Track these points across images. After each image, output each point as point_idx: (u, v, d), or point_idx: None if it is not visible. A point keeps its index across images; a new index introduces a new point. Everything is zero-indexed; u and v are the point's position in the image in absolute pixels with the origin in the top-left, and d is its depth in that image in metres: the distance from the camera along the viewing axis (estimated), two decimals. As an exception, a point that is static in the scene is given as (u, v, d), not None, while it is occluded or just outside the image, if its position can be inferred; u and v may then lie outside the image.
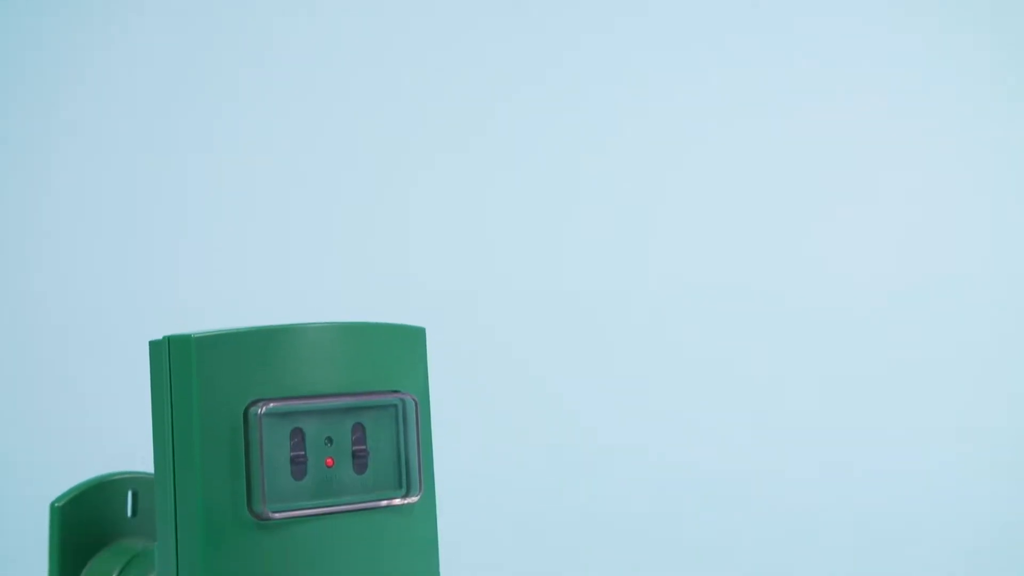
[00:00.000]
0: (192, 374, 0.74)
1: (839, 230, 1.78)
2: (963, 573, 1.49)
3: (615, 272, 1.82)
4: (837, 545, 1.56)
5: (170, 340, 0.75)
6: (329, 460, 0.77)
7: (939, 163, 1.77)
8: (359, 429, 0.78)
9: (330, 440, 0.77)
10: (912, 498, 1.62)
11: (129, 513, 0.94)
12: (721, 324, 1.78)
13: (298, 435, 0.76)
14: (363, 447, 0.78)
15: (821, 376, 1.74)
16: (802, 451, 1.67)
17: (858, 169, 1.78)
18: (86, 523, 0.92)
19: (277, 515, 0.74)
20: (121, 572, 0.89)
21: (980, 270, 1.75)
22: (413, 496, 0.79)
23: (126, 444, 1.39)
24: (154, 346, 0.75)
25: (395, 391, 0.79)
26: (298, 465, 0.76)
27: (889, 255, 1.76)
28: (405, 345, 0.80)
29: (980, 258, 1.75)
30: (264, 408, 0.74)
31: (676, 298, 1.80)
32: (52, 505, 0.92)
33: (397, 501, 0.79)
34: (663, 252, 1.81)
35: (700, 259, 1.80)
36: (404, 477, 0.79)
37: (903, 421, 1.70)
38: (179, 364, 0.74)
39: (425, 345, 0.82)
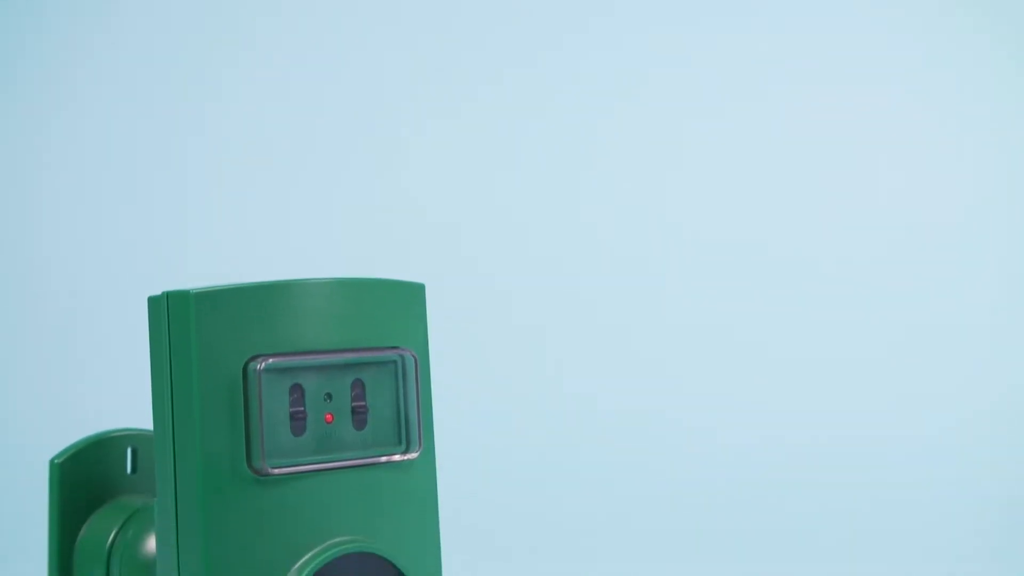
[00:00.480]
0: (191, 330, 0.73)
1: (845, 195, 1.78)
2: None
3: (618, 231, 1.82)
4: (846, 510, 1.57)
5: (169, 296, 0.74)
6: (328, 416, 0.77)
7: (944, 125, 1.77)
8: (359, 385, 0.78)
9: (329, 396, 0.77)
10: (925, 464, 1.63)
11: (129, 470, 0.94)
12: (724, 288, 1.78)
13: (297, 391, 0.76)
14: (363, 403, 0.78)
15: (831, 341, 1.74)
16: (813, 417, 1.68)
17: (864, 134, 1.78)
18: (85, 480, 0.92)
19: (276, 471, 0.74)
20: (121, 529, 0.90)
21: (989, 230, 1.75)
22: (413, 452, 0.79)
23: (125, 401, 1.39)
24: (153, 302, 0.75)
25: (395, 347, 0.79)
26: (297, 421, 0.75)
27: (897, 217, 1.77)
28: (405, 301, 0.80)
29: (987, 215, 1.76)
30: (263, 364, 0.74)
31: (680, 259, 1.79)
32: (51, 462, 0.92)
33: (397, 457, 0.78)
34: (666, 213, 1.81)
35: (705, 221, 1.80)
36: (404, 433, 0.79)
37: (915, 388, 1.70)
38: (178, 320, 0.74)
39: (425, 301, 0.81)
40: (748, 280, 1.77)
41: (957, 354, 1.71)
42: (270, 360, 0.74)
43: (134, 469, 0.94)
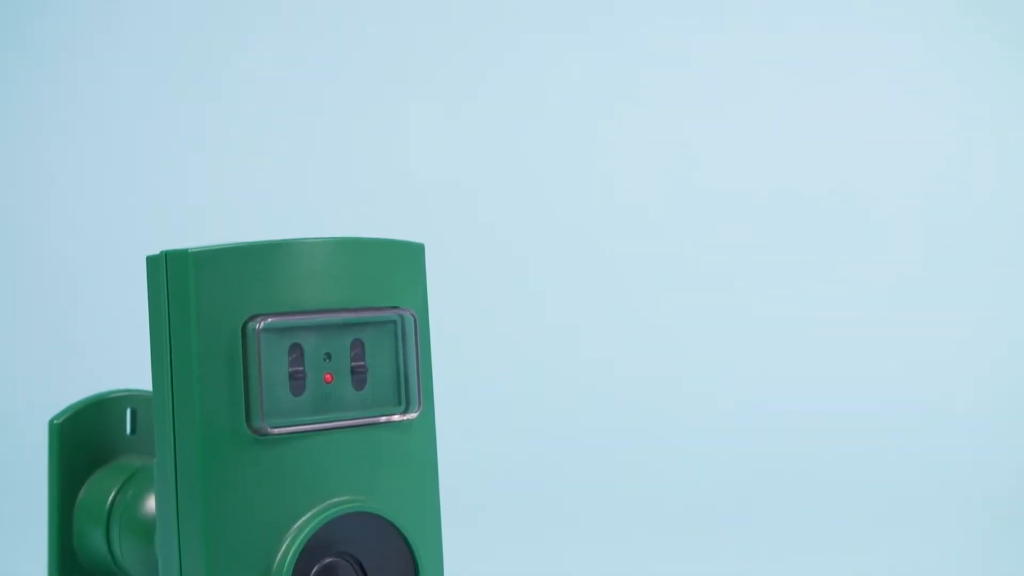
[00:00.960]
0: (190, 290, 0.73)
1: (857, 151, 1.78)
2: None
3: (619, 186, 1.82)
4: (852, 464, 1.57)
5: (167, 255, 0.74)
6: (328, 376, 0.77)
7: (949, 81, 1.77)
8: (358, 345, 0.78)
9: (329, 356, 0.77)
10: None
11: (128, 430, 0.94)
12: (727, 242, 1.78)
13: (296, 351, 0.76)
14: (362, 363, 0.78)
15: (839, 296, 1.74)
16: (827, 384, 1.68)
17: (875, 83, 1.78)
18: (85, 441, 0.92)
19: (275, 430, 0.74)
20: (120, 489, 0.90)
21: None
22: (412, 412, 0.79)
23: (124, 362, 1.39)
24: (151, 262, 0.75)
25: (394, 307, 0.79)
26: (296, 381, 0.75)
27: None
28: (404, 261, 0.80)
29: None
30: (262, 323, 0.74)
31: (683, 213, 1.79)
32: (51, 423, 0.92)
33: (396, 417, 0.78)
34: (670, 166, 1.81)
35: (709, 173, 1.80)
36: (403, 393, 0.79)
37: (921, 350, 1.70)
38: (176, 280, 0.74)
39: (424, 261, 0.81)
40: (762, 243, 1.77)
41: (963, 321, 1.71)
42: (269, 320, 0.74)
43: (133, 430, 0.94)
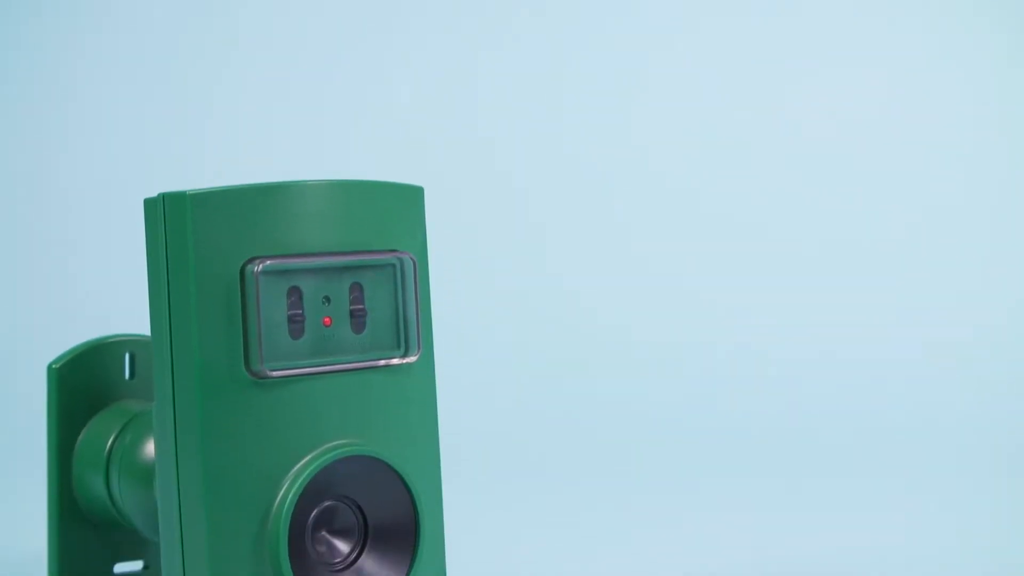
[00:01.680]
0: (188, 232, 0.73)
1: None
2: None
3: (621, 129, 1.81)
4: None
5: (165, 197, 0.74)
6: (327, 319, 0.76)
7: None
8: (357, 288, 0.77)
9: (328, 299, 0.76)
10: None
11: (127, 375, 0.94)
12: (735, 190, 1.77)
13: (295, 294, 0.75)
14: (361, 306, 0.77)
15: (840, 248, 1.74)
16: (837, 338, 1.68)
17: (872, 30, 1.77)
18: (84, 385, 0.92)
19: (274, 374, 0.74)
20: (119, 433, 0.90)
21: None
22: (411, 356, 0.79)
23: (123, 306, 1.38)
24: (149, 204, 0.75)
25: (393, 250, 0.78)
26: (295, 324, 0.75)
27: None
28: (403, 204, 0.79)
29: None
30: (260, 266, 0.73)
31: (686, 161, 1.79)
32: (49, 367, 0.91)
33: (395, 361, 0.78)
34: (673, 112, 1.80)
35: (715, 117, 1.79)
36: (402, 337, 0.79)
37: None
38: (174, 222, 0.73)
39: (423, 204, 0.81)
40: (767, 192, 1.77)
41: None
42: (268, 262, 0.74)
43: (132, 374, 0.94)
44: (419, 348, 0.79)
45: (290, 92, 1.86)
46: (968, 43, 1.79)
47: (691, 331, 1.70)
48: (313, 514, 0.76)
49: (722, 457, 1.47)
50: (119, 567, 0.93)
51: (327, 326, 0.76)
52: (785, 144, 1.78)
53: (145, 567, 0.94)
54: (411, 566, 0.78)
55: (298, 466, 0.75)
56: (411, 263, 0.78)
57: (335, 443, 0.76)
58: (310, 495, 0.76)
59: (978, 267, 1.72)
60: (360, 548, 0.78)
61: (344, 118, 1.84)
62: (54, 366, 0.91)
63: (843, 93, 1.78)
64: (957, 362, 1.63)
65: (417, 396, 0.79)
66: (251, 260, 0.73)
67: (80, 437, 0.92)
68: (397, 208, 0.79)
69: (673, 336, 1.69)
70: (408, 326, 0.79)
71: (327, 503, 0.77)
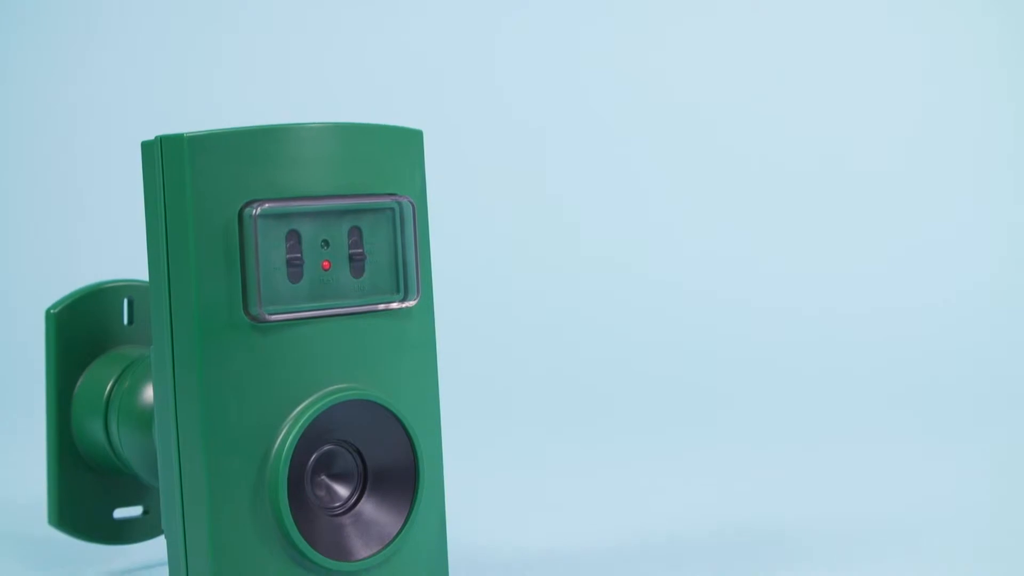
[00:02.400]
0: (185, 175, 0.72)
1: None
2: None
3: (622, 76, 1.81)
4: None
5: (162, 140, 0.73)
6: (326, 263, 0.76)
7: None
8: (356, 232, 0.77)
9: (326, 243, 0.76)
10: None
11: (125, 321, 0.93)
12: (733, 147, 1.77)
13: (294, 237, 0.75)
14: (360, 250, 0.77)
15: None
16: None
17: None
18: (82, 331, 0.92)
19: (273, 317, 0.74)
20: (118, 379, 0.89)
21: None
22: (411, 300, 0.78)
23: (121, 251, 1.38)
24: (146, 147, 0.74)
25: (392, 194, 0.78)
26: (294, 268, 0.75)
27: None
28: (402, 147, 0.79)
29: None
30: (259, 209, 0.73)
31: (688, 113, 1.78)
32: (48, 312, 0.91)
33: (395, 305, 0.78)
34: (677, 64, 1.79)
35: (720, 75, 1.79)
36: (402, 281, 0.78)
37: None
38: (172, 165, 0.73)
39: (422, 148, 0.80)
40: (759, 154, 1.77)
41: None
42: (266, 205, 0.73)
43: (131, 320, 0.93)
44: (418, 292, 0.78)
45: (291, 34, 1.85)
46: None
47: (691, 275, 1.70)
48: (312, 458, 0.76)
49: (715, 403, 1.47)
50: (119, 512, 0.93)
51: (326, 270, 0.76)
52: (792, 89, 1.77)
53: (145, 512, 0.94)
54: (411, 510, 0.78)
55: (297, 410, 0.75)
56: (410, 207, 0.78)
57: (334, 387, 0.76)
58: (309, 439, 0.76)
59: (970, 222, 1.72)
60: (360, 492, 0.78)
61: (343, 61, 1.83)
62: (52, 311, 0.91)
63: (844, 50, 1.78)
64: (953, 319, 1.63)
65: (416, 340, 0.79)
66: (249, 203, 0.73)
67: (79, 383, 0.91)
68: (396, 152, 0.78)
69: (675, 280, 1.69)
70: (407, 270, 0.78)
71: (326, 447, 0.77)
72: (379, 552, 0.77)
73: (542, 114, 1.80)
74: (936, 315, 1.62)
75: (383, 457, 0.78)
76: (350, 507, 0.78)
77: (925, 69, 1.75)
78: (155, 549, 0.95)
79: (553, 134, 1.79)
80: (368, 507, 0.78)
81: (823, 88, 1.77)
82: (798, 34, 1.78)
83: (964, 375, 1.50)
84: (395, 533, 0.78)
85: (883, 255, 1.70)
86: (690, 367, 1.57)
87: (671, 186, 1.76)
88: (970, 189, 1.71)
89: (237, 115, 1.51)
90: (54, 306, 0.91)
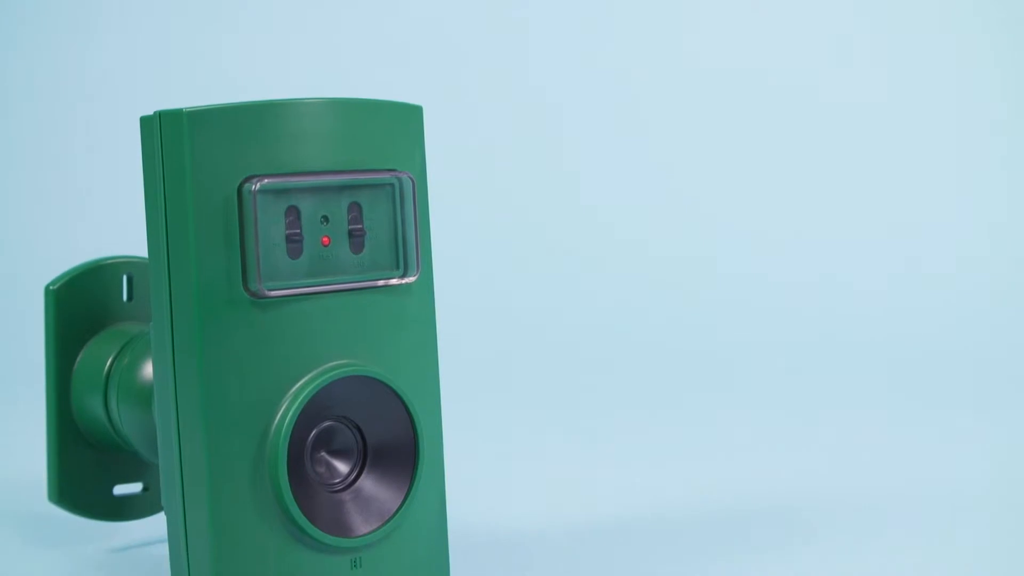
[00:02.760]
0: (184, 150, 0.72)
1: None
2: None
3: (611, 52, 1.80)
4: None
5: (161, 115, 0.73)
6: (325, 239, 0.76)
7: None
8: (355, 208, 0.77)
9: (326, 219, 0.76)
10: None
11: (125, 297, 0.93)
12: (735, 113, 1.77)
13: (293, 213, 0.75)
14: (360, 226, 0.77)
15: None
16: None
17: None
18: (82, 307, 0.92)
19: (272, 293, 0.73)
20: (117, 355, 0.89)
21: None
22: (410, 276, 0.78)
23: (121, 227, 1.38)
24: (145, 122, 0.74)
25: (392, 169, 0.78)
26: (293, 243, 0.75)
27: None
28: (402, 123, 0.79)
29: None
30: (258, 184, 0.73)
31: (700, 84, 1.78)
32: (47, 288, 0.91)
33: (394, 281, 0.78)
34: (694, 35, 1.79)
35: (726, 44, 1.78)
36: (401, 257, 0.78)
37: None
38: (171, 140, 0.72)
39: (422, 123, 0.80)
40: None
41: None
42: (265, 181, 0.73)
43: (130, 296, 0.93)
44: (418, 268, 0.78)
45: (290, 9, 1.84)
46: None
47: (698, 248, 1.70)
48: (312, 435, 0.76)
49: (718, 375, 1.47)
50: (118, 489, 0.93)
51: (325, 246, 0.76)
52: (800, 72, 1.77)
53: (145, 489, 0.94)
54: (411, 486, 0.78)
55: (296, 386, 0.75)
56: (410, 183, 0.78)
57: (334, 363, 0.76)
58: (309, 416, 0.75)
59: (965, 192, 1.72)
60: (359, 469, 0.78)
61: (344, 37, 1.82)
62: (51, 288, 0.91)
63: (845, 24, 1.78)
64: (953, 288, 1.63)
65: (416, 317, 0.79)
66: (249, 179, 0.73)
67: (78, 359, 0.91)
68: (396, 127, 0.78)
69: (681, 253, 1.69)
70: (407, 246, 0.78)
71: (326, 424, 0.77)
72: (379, 528, 0.77)
73: (546, 89, 1.79)
74: (940, 289, 1.62)
75: (383, 433, 0.78)
76: (350, 483, 0.78)
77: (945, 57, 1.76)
78: (155, 526, 0.95)
79: (555, 108, 1.79)
80: (368, 483, 0.78)
81: (841, 65, 1.77)
82: (810, 32, 1.78)
83: (970, 351, 1.50)
84: (395, 509, 0.78)
85: (887, 227, 1.70)
86: (694, 343, 1.57)
87: (668, 156, 1.76)
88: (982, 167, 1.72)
89: (237, 90, 1.51)
90: (53, 282, 0.91)
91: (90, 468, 0.92)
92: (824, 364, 1.49)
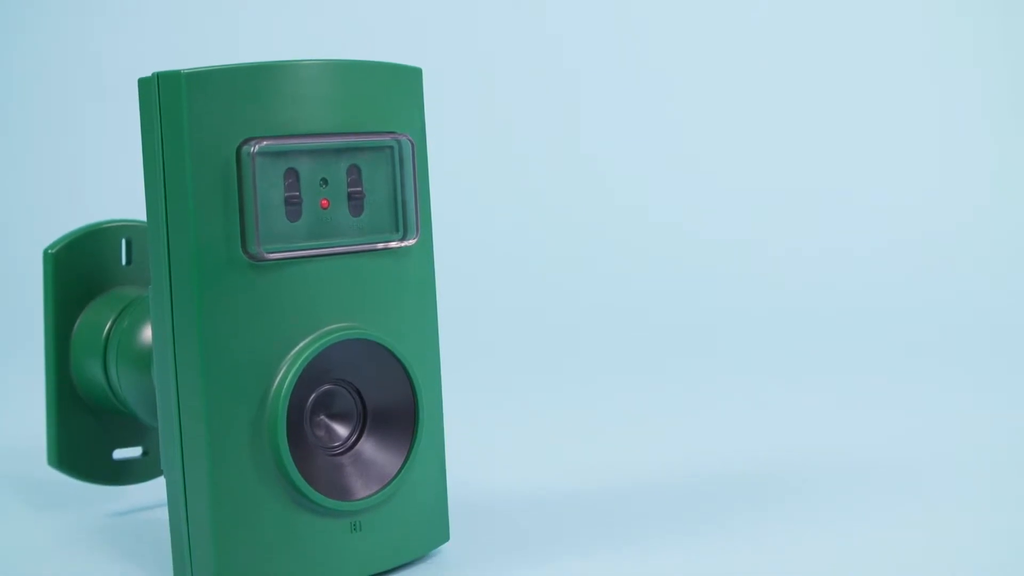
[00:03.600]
0: (183, 112, 0.72)
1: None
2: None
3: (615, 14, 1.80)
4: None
5: (159, 77, 0.72)
6: (324, 201, 0.75)
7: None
8: (355, 171, 0.76)
9: (325, 181, 0.75)
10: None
11: (124, 261, 0.93)
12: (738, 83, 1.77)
13: (292, 175, 0.74)
14: (359, 189, 0.76)
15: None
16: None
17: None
18: (80, 271, 0.91)
19: (271, 256, 0.73)
20: (116, 319, 0.89)
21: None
22: (410, 239, 0.78)
23: (120, 191, 1.38)
24: (143, 84, 0.73)
25: (391, 132, 0.77)
26: (292, 206, 0.74)
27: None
28: (401, 85, 0.78)
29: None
30: (257, 146, 0.72)
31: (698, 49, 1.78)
32: (45, 252, 0.91)
33: (394, 244, 0.77)
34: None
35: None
36: (401, 220, 0.78)
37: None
38: (169, 102, 0.72)
39: (422, 86, 0.80)
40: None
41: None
42: (264, 143, 0.73)
43: (129, 260, 0.93)
44: (417, 232, 0.78)
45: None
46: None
47: (692, 217, 1.70)
48: (311, 398, 0.76)
49: (718, 344, 1.47)
50: (118, 453, 0.93)
51: (324, 208, 0.75)
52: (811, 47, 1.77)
53: (144, 453, 0.94)
54: (410, 450, 0.78)
55: (296, 349, 0.75)
56: (409, 145, 0.77)
57: (333, 327, 0.75)
58: (308, 379, 0.75)
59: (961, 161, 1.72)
60: (359, 432, 0.78)
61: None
62: (50, 251, 0.91)
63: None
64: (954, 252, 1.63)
65: (415, 280, 0.79)
66: (247, 141, 0.72)
67: (77, 323, 0.91)
68: (395, 90, 0.78)
69: (676, 221, 1.69)
70: (406, 209, 0.78)
71: (325, 387, 0.77)
72: (378, 492, 0.77)
73: (551, 50, 1.79)
74: (937, 249, 1.62)
75: (383, 397, 0.78)
76: (349, 447, 0.78)
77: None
78: (155, 490, 0.95)
79: (558, 71, 1.78)
80: (367, 447, 0.78)
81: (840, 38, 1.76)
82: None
83: (969, 309, 1.51)
84: (394, 473, 0.78)
85: (874, 195, 1.70)
86: (691, 307, 1.57)
87: (665, 120, 1.76)
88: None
89: (236, 52, 1.50)
90: (52, 246, 0.91)
91: (90, 432, 0.92)
92: (809, 331, 1.49)
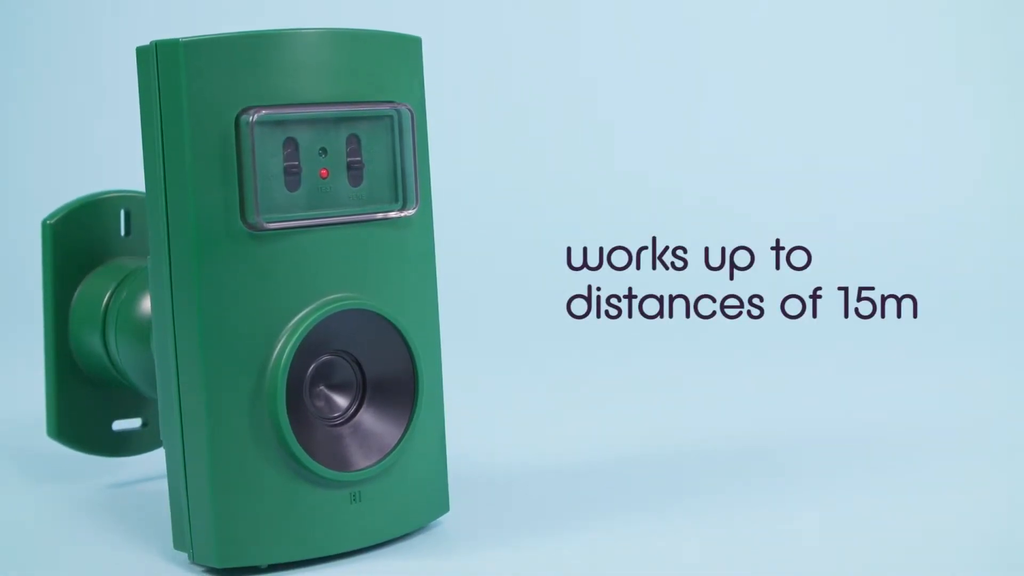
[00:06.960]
0: (181, 81, 0.71)
1: None
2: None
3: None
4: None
5: (157, 46, 0.72)
6: (323, 171, 0.75)
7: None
8: (354, 140, 0.76)
9: (324, 151, 0.75)
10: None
11: (122, 232, 0.93)
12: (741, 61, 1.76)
13: (291, 145, 0.74)
14: (358, 158, 0.76)
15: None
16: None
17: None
18: (79, 242, 0.91)
19: (270, 226, 0.73)
20: (115, 290, 0.89)
21: None
22: (409, 209, 0.78)
23: (119, 161, 1.37)
24: (141, 53, 0.73)
25: (391, 101, 0.77)
26: (292, 176, 0.74)
27: None
28: (401, 54, 0.78)
29: None
30: (256, 116, 0.72)
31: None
32: (44, 223, 0.91)
33: (393, 214, 0.77)
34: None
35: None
36: (400, 190, 0.78)
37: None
38: (167, 71, 0.72)
39: (421, 55, 0.79)
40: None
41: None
42: (263, 112, 0.72)
43: (128, 231, 0.93)
44: (417, 202, 0.78)
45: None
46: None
47: (695, 181, 1.69)
48: (311, 369, 0.76)
49: (719, 320, 1.47)
50: (118, 424, 0.93)
51: (324, 178, 0.75)
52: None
53: (144, 424, 0.94)
54: (410, 420, 0.78)
55: (295, 320, 0.74)
56: (409, 115, 0.77)
57: (332, 297, 0.75)
58: (307, 349, 0.75)
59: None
60: (359, 403, 0.78)
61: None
62: (48, 222, 0.90)
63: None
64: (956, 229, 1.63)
65: (415, 250, 0.79)
66: (246, 110, 0.72)
67: (76, 294, 0.91)
68: (395, 59, 0.77)
69: (681, 186, 1.68)
70: (406, 179, 0.77)
71: (325, 358, 0.77)
72: (378, 463, 0.77)
73: (553, 20, 1.78)
74: (930, 227, 1.62)
75: (382, 367, 0.78)
76: (349, 418, 0.78)
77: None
78: (154, 461, 0.95)
79: (560, 39, 1.78)
80: (367, 418, 0.78)
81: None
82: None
83: (969, 282, 1.51)
84: (394, 444, 0.78)
85: (883, 165, 1.69)
86: (695, 280, 1.56)
87: (668, 87, 1.75)
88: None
89: (235, 20, 1.49)
90: (50, 216, 0.91)
91: (89, 403, 0.92)
92: (809, 307, 1.49)
